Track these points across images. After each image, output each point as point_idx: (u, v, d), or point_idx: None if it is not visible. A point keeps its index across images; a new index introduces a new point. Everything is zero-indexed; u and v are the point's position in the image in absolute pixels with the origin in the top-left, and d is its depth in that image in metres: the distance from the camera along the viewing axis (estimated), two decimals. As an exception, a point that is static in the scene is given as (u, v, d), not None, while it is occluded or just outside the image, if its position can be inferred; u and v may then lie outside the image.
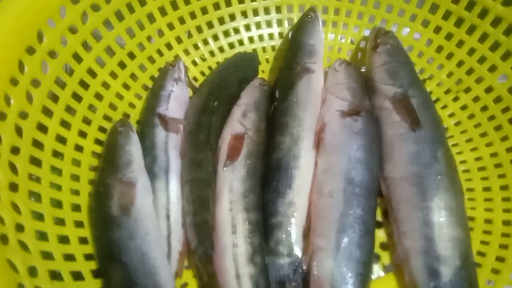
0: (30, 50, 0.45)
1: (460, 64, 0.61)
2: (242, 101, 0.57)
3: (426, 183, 0.47)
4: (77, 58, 0.52)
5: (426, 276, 0.45)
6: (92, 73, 0.54)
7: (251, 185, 0.49)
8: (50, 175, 0.47)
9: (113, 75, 0.57)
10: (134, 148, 0.51)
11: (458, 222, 0.46)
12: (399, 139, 0.51)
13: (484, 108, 0.58)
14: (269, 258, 0.47)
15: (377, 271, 0.52)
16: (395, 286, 0.51)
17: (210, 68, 0.66)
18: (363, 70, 0.61)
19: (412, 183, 0.48)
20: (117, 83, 0.58)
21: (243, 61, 0.65)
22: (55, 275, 0.43)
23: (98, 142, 0.54)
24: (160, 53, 0.63)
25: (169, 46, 0.64)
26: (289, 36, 0.64)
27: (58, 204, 0.47)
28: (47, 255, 0.43)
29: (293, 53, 0.59)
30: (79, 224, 0.49)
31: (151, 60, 0.62)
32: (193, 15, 0.65)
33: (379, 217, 0.53)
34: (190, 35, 0.65)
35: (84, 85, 0.53)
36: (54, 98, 0.49)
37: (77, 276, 0.45)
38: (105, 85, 0.56)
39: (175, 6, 0.62)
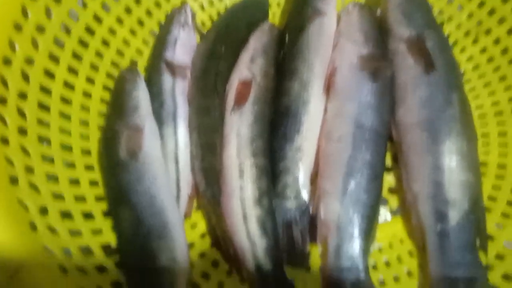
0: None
1: (481, 5, 0.57)
2: (250, 45, 0.55)
3: (438, 127, 0.46)
4: (83, 4, 0.51)
5: (433, 219, 0.45)
6: (98, 20, 0.53)
7: (259, 130, 0.49)
8: (59, 120, 0.48)
9: (120, 21, 0.56)
10: (141, 94, 0.51)
11: (468, 166, 0.45)
12: (413, 83, 0.49)
13: (505, 51, 0.55)
14: (276, 202, 0.47)
15: (384, 215, 0.52)
16: (402, 230, 0.51)
17: (218, 13, 0.64)
18: (378, 13, 0.58)
19: (424, 128, 0.47)
20: (123, 29, 0.56)
21: (253, 4, 0.62)
22: (66, 215, 0.44)
23: (106, 88, 0.54)
24: (166, -3, 0.61)
25: (176, -10, 0.62)
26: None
27: (68, 148, 0.48)
28: (58, 196, 0.44)
29: (305, -5, 0.57)
30: (89, 168, 0.49)
31: (158, 5, 0.60)
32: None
33: (388, 162, 0.52)
34: (197, -21, 0.63)
35: (90, 31, 0.52)
36: (61, 45, 0.49)
37: (88, 215, 0.46)
38: (112, 31, 0.55)
39: (182, -51, 0.60)
